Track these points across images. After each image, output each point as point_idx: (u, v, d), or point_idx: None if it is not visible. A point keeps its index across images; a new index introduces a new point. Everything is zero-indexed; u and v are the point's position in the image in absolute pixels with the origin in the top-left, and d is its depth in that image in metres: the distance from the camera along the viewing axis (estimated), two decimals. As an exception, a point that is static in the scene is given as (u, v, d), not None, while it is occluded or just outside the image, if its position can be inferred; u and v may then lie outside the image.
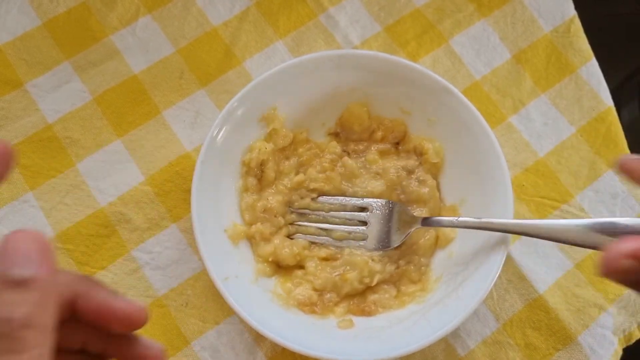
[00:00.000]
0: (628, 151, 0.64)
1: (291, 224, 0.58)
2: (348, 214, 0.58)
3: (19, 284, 0.22)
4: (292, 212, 0.58)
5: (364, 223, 0.57)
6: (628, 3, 0.71)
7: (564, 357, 0.57)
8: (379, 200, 0.58)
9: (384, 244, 0.57)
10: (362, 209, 0.58)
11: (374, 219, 0.57)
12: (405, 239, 0.56)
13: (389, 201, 0.57)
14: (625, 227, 0.47)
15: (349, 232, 0.57)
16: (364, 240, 0.57)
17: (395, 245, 0.56)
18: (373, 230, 0.57)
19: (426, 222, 0.55)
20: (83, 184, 0.61)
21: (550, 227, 0.49)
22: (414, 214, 0.57)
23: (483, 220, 0.52)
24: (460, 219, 0.53)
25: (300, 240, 0.58)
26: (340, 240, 0.57)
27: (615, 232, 0.47)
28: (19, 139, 0.62)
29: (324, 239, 0.58)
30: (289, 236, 0.58)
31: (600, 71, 0.66)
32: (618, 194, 0.62)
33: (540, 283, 0.59)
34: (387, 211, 0.57)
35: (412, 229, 0.56)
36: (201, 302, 0.58)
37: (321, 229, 0.58)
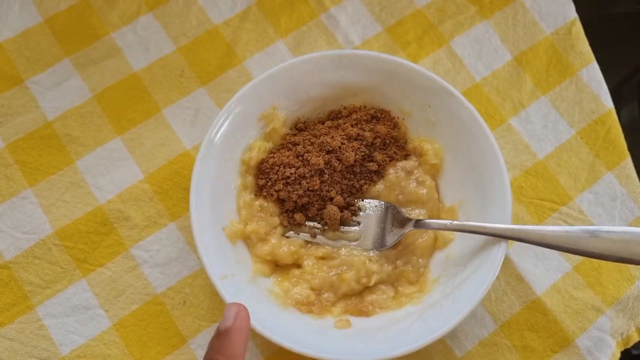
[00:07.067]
0: (628, 154, 0.63)
1: (286, 224, 0.58)
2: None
3: (222, 331, 0.43)
4: (287, 211, 0.58)
5: (358, 223, 0.57)
6: (627, 3, 0.71)
7: (561, 360, 0.57)
8: (372, 200, 0.58)
9: (378, 244, 0.57)
10: (357, 208, 0.58)
11: (368, 219, 0.57)
12: (398, 239, 0.56)
13: (382, 202, 0.57)
14: (609, 234, 0.48)
15: (343, 232, 0.57)
16: (357, 240, 0.57)
17: (389, 246, 0.56)
18: (366, 231, 0.57)
19: (419, 224, 0.55)
20: (82, 182, 0.61)
21: (541, 233, 0.50)
22: (413, 214, 0.57)
23: (476, 224, 0.52)
24: (454, 222, 0.53)
25: (296, 238, 0.58)
26: (334, 240, 0.57)
27: (602, 238, 0.48)
28: (19, 135, 0.62)
29: (317, 237, 0.57)
30: (284, 234, 0.58)
31: (601, 74, 0.66)
32: (617, 197, 0.62)
33: (538, 285, 0.59)
34: (380, 212, 0.57)
35: (406, 230, 0.56)
36: (199, 300, 0.58)
37: (315, 227, 0.58)
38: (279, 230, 0.58)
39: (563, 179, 0.63)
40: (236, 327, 0.44)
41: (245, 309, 0.47)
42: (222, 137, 0.56)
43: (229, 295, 0.50)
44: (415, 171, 0.59)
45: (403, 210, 0.57)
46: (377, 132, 0.58)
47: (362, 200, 0.58)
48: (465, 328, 0.58)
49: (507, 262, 0.59)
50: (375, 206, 0.57)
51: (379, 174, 0.59)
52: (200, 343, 0.57)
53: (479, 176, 0.56)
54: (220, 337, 0.44)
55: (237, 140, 0.57)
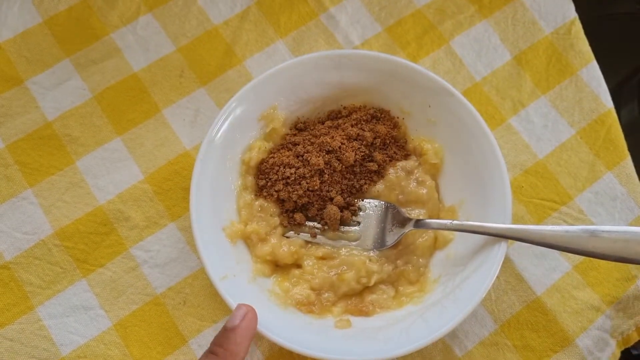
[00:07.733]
0: (628, 154, 0.64)
1: (286, 224, 0.58)
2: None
3: (228, 328, 0.46)
4: (287, 211, 0.58)
5: (358, 223, 0.57)
6: (627, 3, 0.72)
7: (561, 359, 0.57)
8: (372, 200, 0.58)
9: (378, 244, 0.57)
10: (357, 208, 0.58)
11: (368, 219, 0.57)
12: (398, 239, 0.56)
13: (382, 202, 0.57)
14: (609, 233, 0.48)
15: (343, 232, 0.57)
16: (357, 240, 0.57)
17: (389, 246, 0.56)
18: (367, 231, 0.57)
19: (419, 224, 0.55)
20: (82, 182, 0.61)
21: (541, 233, 0.50)
22: (413, 214, 0.57)
23: (476, 224, 0.52)
24: (454, 222, 0.53)
25: (296, 238, 0.58)
26: (334, 239, 0.57)
27: (602, 238, 0.48)
28: (19, 136, 0.62)
29: (317, 237, 0.58)
30: (284, 235, 0.58)
31: (601, 73, 0.66)
32: (617, 196, 0.62)
33: (538, 285, 0.59)
34: (380, 212, 0.57)
35: (406, 230, 0.56)
36: (199, 300, 0.58)
37: (315, 227, 0.58)
38: (279, 230, 0.58)
39: (563, 179, 0.63)
40: (242, 327, 0.46)
41: (254, 311, 0.47)
42: (222, 137, 0.56)
43: (229, 295, 0.51)
44: (415, 171, 0.59)
45: (403, 210, 0.57)
46: (377, 132, 0.58)
47: (362, 200, 0.58)
48: (465, 328, 0.58)
49: (507, 262, 0.60)
50: (375, 206, 0.57)
51: (379, 174, 0.59)
52: (200, 343, 0.57)
53: (479, 176, 0.56)
54: (225, 333, 0.46)
55: (237, 140, 0.57)
